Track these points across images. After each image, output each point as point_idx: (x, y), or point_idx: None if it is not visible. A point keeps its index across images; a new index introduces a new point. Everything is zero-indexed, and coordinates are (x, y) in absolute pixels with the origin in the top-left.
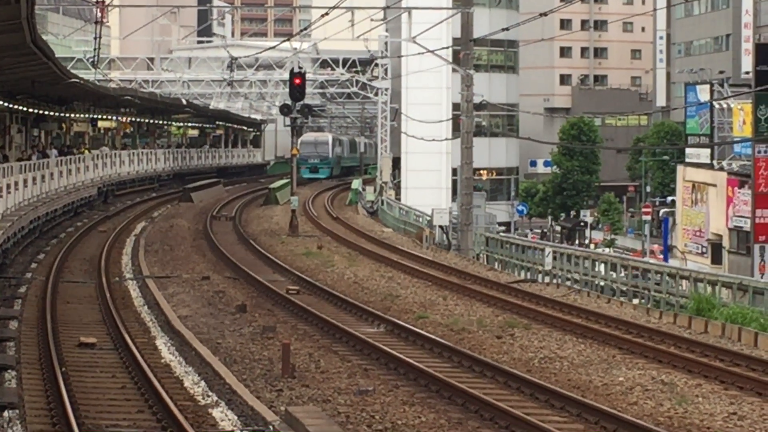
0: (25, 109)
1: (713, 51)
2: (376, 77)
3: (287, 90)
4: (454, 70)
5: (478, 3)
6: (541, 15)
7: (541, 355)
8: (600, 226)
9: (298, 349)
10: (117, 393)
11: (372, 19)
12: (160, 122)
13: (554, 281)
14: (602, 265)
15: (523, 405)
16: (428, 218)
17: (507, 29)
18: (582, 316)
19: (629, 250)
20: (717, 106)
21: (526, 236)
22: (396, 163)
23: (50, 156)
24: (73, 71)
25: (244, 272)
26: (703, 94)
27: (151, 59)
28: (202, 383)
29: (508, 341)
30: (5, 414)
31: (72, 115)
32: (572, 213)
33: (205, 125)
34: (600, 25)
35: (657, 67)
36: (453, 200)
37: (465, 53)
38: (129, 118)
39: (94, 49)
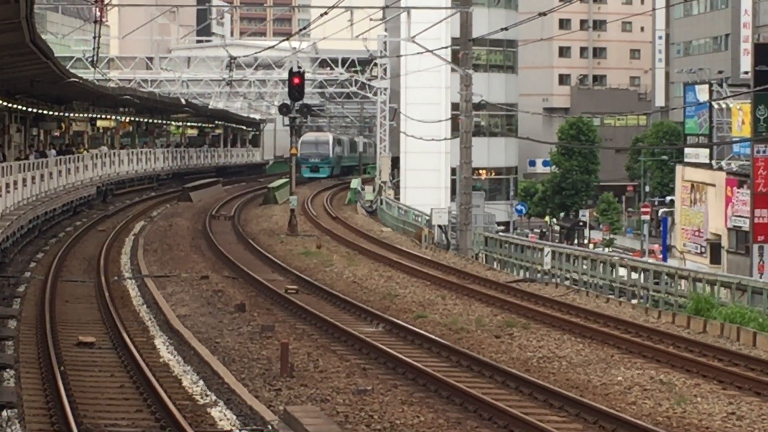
0: (24, 108)
1: (712, 51)
2: (375, 77)
3: (286, 89)
4: (453, 70)
5: (476, 3)
6: (540, 15)
7: (539, 355)
8: (600, 226)
9: (297, 349)
10: (115, 392)
11: (371, 19)
12: (159, 122)
13: (553, 281)
14: (601, 264)
15: (521, 404)
16: (427, 218)
17: (506, 29)
18: (581, 315)
19: (628, 250)
20: (716, 106)
21: (527, 236)
22: (395, 162)
23: (49, 156)
24: (72, 70)
25: (243, 272)
26: (702, 94)
27: (150, 59)
28: (201, 382)
29: (507, 341)
30: (4, 413)
31: (71, 115)
32: (571, 213)
33: (204, 125)
34: (599, 24)
35: (656, 66)
36: (452, 200)
37: (464, 53)
38: (128, 118)
39: (93, 49)
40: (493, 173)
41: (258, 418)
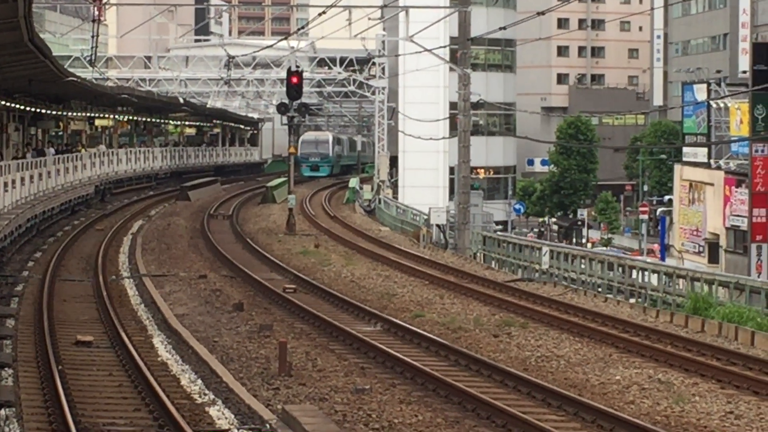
0: (22, 107)
1: (710, 50)
2: (374, 76)
3: (284, 89)
4: (451, 69)
5: (475, 2)
6: (538, 14)
7: (537, 354)
8: (600, 225)
9: (295, 348)
10: (114, 391)
11: (369, 18)
12: (158, 121)
13: (551, 280)
14: (599, 264)
15: (519, 404)
16: (425, 217)
17: (504, 28)
18: (579, 314)
19: (627, 250)
20: (714, 105)
21: (526, 235)
22: (393, 161)
23: (47, 154)
24: (70, 70)
25: (241, 271)
26: (700, 93)
27: (149, 58)
28: (199, 381)
29: (505, 340)
30: (2, 412)
31: (69, 114)
32: (569, 212)
33: (202, 124)
34: (597, 24)
35: (654, 66)
36: (450, 199)
37: (462, 52)
38: (126, 117)
39: (92, 48)
40: (492, 172)
41: (256, 417)
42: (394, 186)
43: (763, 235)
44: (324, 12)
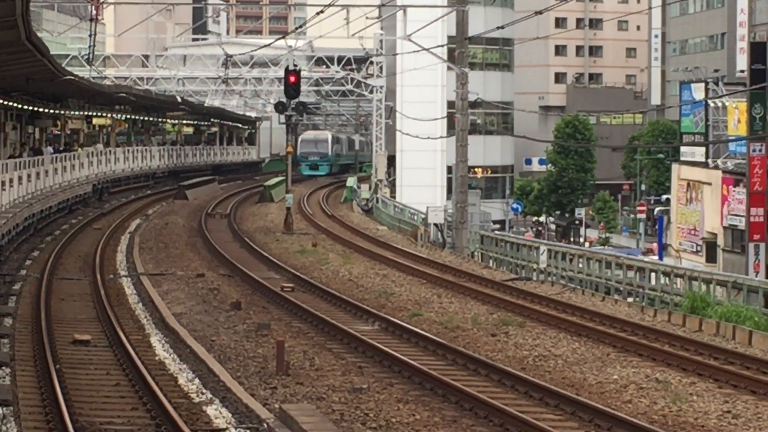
0: (19, 106)
1: (708, 49)
2: (371, 75)
3: (282, 87)
4: (449, 68)
5: (473, 1)
6: (536, 13)
7: (535, 353)
8: (599, 223)
9: (293, 347)
10: (111, 390)
11: (367, 17)
12: (155, 119)
13: (549, 279)
14: (597, 263)
15: (517, 403)
16: (423, 216)
17: (502, 27)
18: (576, 314)
19: (626, 248)
20: (712, 104)
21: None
22: (391, 160)
23: (45, 153)
24: (68, 68)
25: (239, 270)
26: (698, 92)
27: (146, 56)
28: (197, 380)
29: (503, 339)
30: (0, 411)
31: (67, 113)
32: (567, 211)
33: (200, 123)
34: (595, 23)
35: (652, 65)
36: (448, 198)
37: (460, 51)
38: (124, 116)
39: (89, 47)
40: (489, 171)
41: (254, 416)
42: (392, 185)
43: (760, 234)
44: (322, 11)
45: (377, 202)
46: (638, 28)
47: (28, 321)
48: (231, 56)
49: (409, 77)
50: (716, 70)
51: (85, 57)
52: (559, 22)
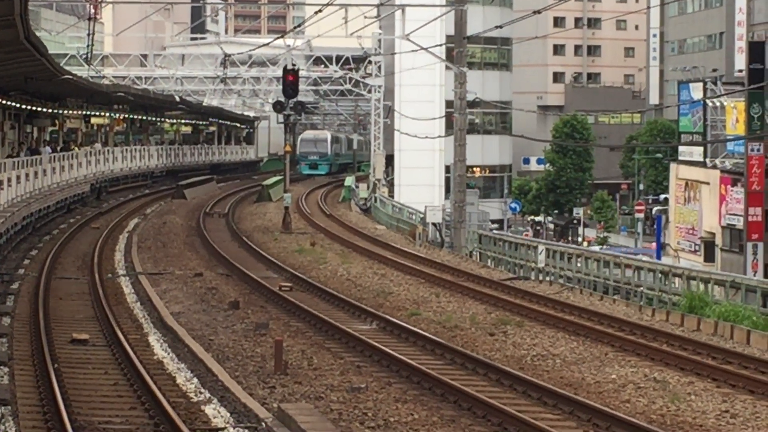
0: (17, 105)
1: (706, 49)
2: (370, 74)
3: (280, 87)
4: (447, 68)
5: (471, 0)
6: (534, 13)
7: (533, 353)
8: (599, 222)
9: (291, 346)
10: (109, 389)
11: (365, 17)
12: (154, 119)
13: (547, 278)
14: (595, 262)
15: (515, 402)
16: (421, 215)
17: (500, 27)
18: (575, 313)
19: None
20: (710, 104)
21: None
22: (389, 160)
23: (43, 153)
24: (66, 68)
25: (237, 269)
26: (696, 92)
27: (145, 56)
28: (195, 380)
29: (501, 338)
30: None
31: (65, 112)
32: (565, 211)
33: (198, 122)
34: (593, 22)
35: (650, 64)
36: (446, 197)
37: (458, 51)
38: (122, 115)
39: (88, 46)
40: (488, 171)
41: (252, 415)
42: (390, 184)
43: (758, 233)
44: (320, 10)
45: (375, 201)
46: (636, 27)
47: (26, 320)
48: (229, 55)
49: (408, 77)
50: (714, 70)
51: (84, 56)
52: (558, 22)
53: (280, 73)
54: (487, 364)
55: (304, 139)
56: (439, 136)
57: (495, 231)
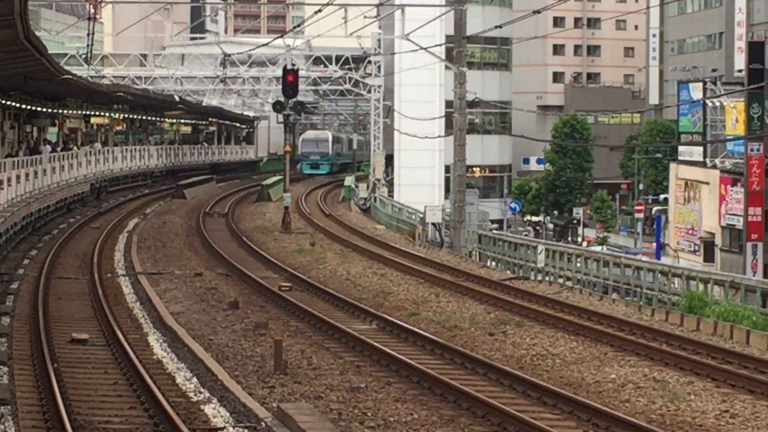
0: (17, 105)
1: (706, 49)
2: (369, 74)
3: (280, 87)
4: (447, 68)
5: (471, 0)
6: (534, 12)
7: (533, 352)
8: (600, 222)
9: (291, 346)
10: (109, 389)
11: (365, 16)
12: (153, 119)
13: (546, 278)
14: (595, 262)
15: (515, 402)
16: (421, 215)
17: (500, 26)
18: (574, 313)
19: (623, 248)
20: (710, 104)
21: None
22: (389, 160)
23: (43, 152)
24: (66, 67)
25: (237, 269)
26: (696, 92)
27: (144, 56)
28: (194, 380)
29: (501, 338)
30: None
31: (65, 112)
32: (565, 211)
33: (198, 122)
34: (593, 22)
35: (650, 64)
36: (446, 197)
37: (458, 50)
38: (122, 115)
39: (87, 46)
40: (487, 171)
41: (251, 415)
42: (390, 184)
43: (758, 233)
44: (320, 10)
45: (375, 201)
46: (636, 27)
47: (26, 320)
48: (229, 55)
49: (407, 76)
50: (714, 70)
51: (83, 56)
52: (557, 22)
53: (279, 73)
54: (486, 363)
55: (306, 139)
56: (439, 136)
57: (494, 231)
